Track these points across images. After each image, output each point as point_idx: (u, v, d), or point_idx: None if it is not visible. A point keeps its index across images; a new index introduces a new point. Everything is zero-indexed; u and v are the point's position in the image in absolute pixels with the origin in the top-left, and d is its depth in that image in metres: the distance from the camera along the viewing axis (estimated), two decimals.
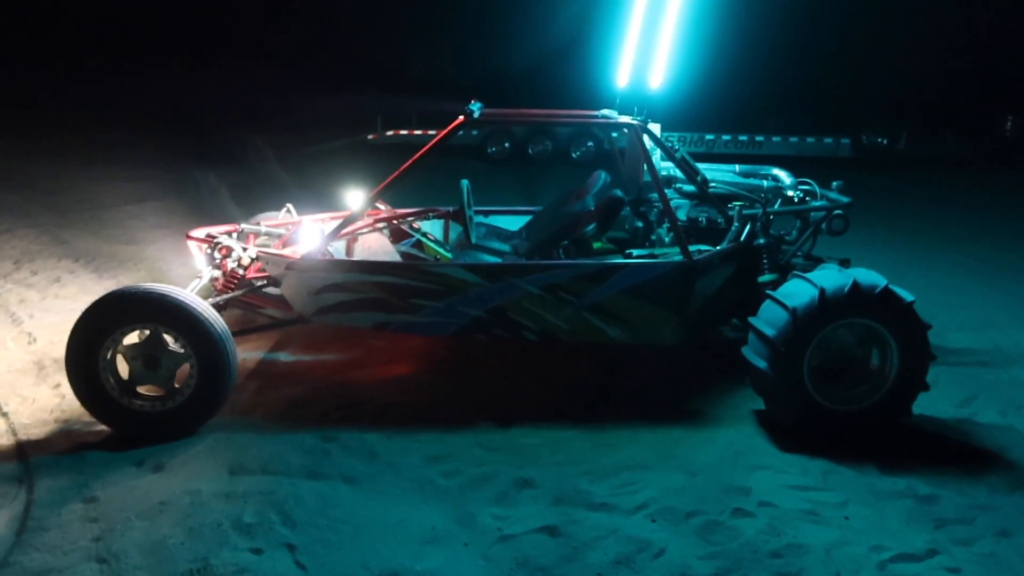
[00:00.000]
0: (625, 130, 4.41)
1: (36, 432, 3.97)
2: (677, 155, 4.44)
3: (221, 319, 3.91)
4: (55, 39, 22.94)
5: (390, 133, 15.93)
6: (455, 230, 5.50)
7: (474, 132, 15.04)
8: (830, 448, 3.84)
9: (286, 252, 4.34)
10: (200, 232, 4.75)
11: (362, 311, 4.24)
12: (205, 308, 3.84)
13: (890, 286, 3.84)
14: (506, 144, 15.25)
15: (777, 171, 5.11)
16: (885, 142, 15.52)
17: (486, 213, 5.68)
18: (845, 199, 4.72)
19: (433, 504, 3.38)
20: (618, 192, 4.47)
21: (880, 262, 7.78)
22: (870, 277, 3.87)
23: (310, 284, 4.22)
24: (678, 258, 4.14)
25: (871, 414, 3.95)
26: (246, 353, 5.03)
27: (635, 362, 4.91)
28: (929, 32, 15.89)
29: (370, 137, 16.05)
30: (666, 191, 4.99)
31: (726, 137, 14.73)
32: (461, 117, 4.24)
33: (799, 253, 4.86)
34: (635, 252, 4.30)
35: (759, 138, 14.70)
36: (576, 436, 3.97)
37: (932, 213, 10.91)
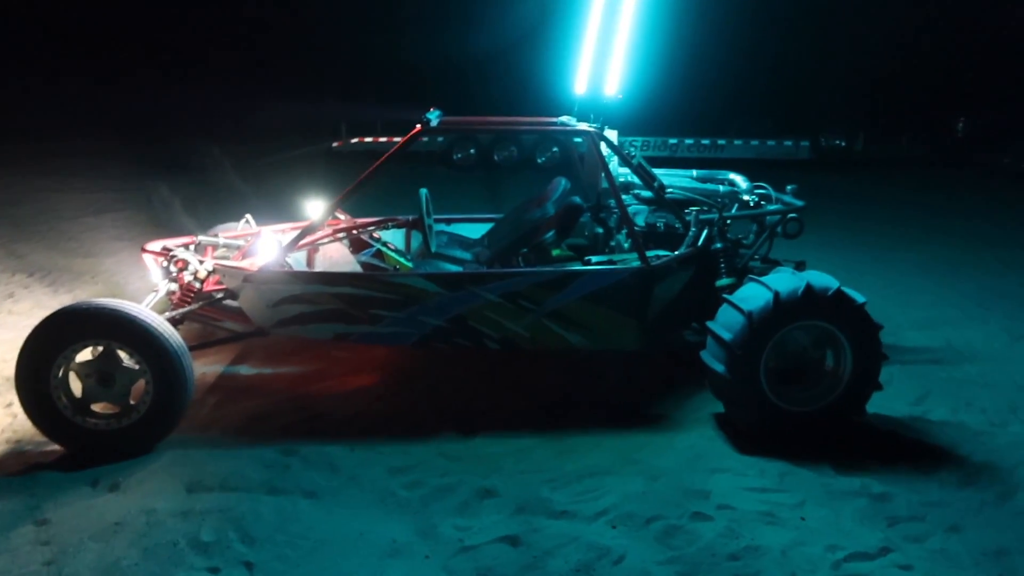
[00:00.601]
0: (581, 138, 4.43)
1: None
2: (634, 161, 4.48)
3: (176, 333, 3.85)
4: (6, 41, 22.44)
5: (355, 140, 15.86)
6: (417, 239, 5.50)
7: (439, 139, 15.04)
8: (788, 449, 3.90)
9: (243, 264, 4.29)
10: (156, 245, 4.68)
11: (322, 322, 4.21)
12: (159, 322, 3.78)
13: (842, 288, 3.91)
14: (471, 151, 15.28)
15: (734, 176, 5.19)
16: (843, 144, 15.83)
17: (448, 221, 5.68)
18: (799, 202, 4.80)
19: (395, 516, 3.37)
20: (576, 199, 4.50)
21: (839, 263, 7.99)
22: (823, 280, 3.94)
23: (268, 296, 4.18)
24: (636, 264, 4.17)
25: (827, 414, 4.02)
26: (205, 367, 4.97)
27: (599, 368, 4.94)
28: (884, 34, 16.23)
29: (335, 144, 15.97)
30: (624, 197, 5.05)
31: (688, 141, 14.91)
32: (418, 126, 4.24)
33: (756, 256, 4.93)
34: (594, 259, 4.33)
35: (720, 141, 14.90)
36: (539, 443, 3.98)
37: (889, 214, 11.14)
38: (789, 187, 5.00)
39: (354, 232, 4.69)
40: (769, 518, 3.35)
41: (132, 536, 3.19)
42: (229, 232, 5.20)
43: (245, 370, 4.98)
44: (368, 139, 15.66)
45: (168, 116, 18.31)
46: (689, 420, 4.24)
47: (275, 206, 8.93)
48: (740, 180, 5.12)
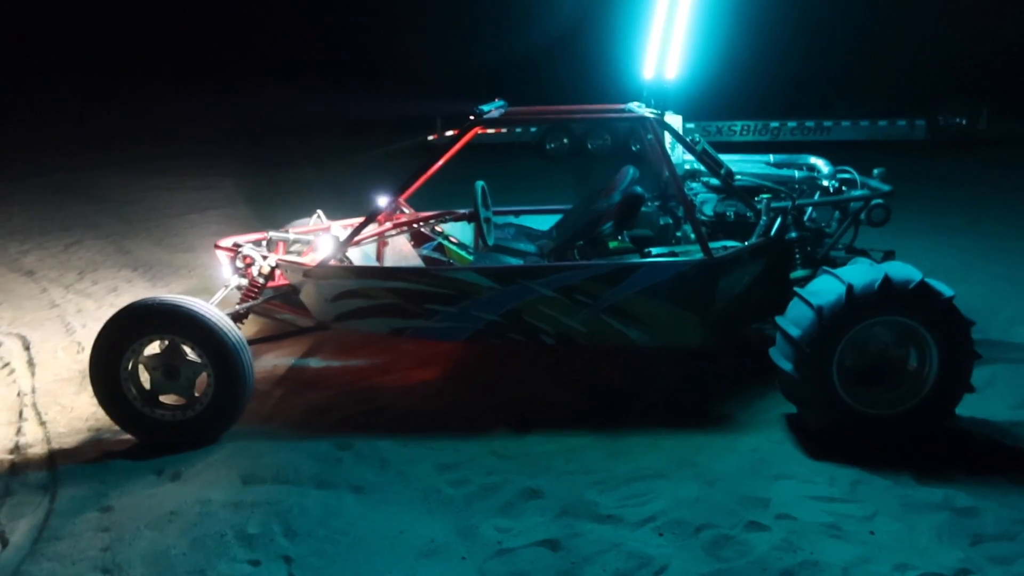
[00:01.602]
0: (638, 124, 4.23)
1: (69, 441, 4.10)
2: (698, 147, 4.24)
3: (236, 328, 3.95)
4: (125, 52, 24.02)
5: (450, 133, 15.97)
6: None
7: (532, 129, 14.93)
8: (864, 456, 3.60)
9: (303, 260, 4.35)
10: (228, 241, 4.82)
11: (378, 317, 4.21)
12: (219, 318, 3.88)
13: (927, 280, 3.57)
14: (564, 140, 15.08)
15: (814, 159, 4.84)
16: (964, 122, 14.60)
17: (516, 213, 5.59)
18: (886, 187, 4.43)
19: (437, 514, 3.32)
20: (638, 188, 4.31)
21: (948, 252, 7.39)
22: (904, 271, 3.60)
23: (326, 291, 4.22)
24: (699, 256, 3.95)
25: (910, 418, 3.69)
26: (277, 359, 5.10)
27: (663, 364, 4.74)
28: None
29: (430, 138, 16.15)
30: (693, 185, 4.81)
31: (791, 124, 14.17)
32: (473, 121, 4.16)
33: (839, 246, 4.59)
34: (654, 251, 4.14)
35: (827, 123, 14.08)
36: (593, 443, 3.85)
37: (1013, 199, 10.20)
38: (876, 170, 4.61)
39: (415, 225, 4.67)
40: (833, 531, 3.09)
41: (184, 525, 3.28)
42: (300, 228, 5.29)
43: (314, 363, 5.07)
44: None
45: (272, 118, 19.06)
46: (756, 421, 3.99)
47: (370, 199, 9.11)
48: (821, 164, 4.77)
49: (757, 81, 14.35)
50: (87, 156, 15.02)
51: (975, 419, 3.95)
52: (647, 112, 4.11)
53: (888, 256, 4.57)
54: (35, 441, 4.09)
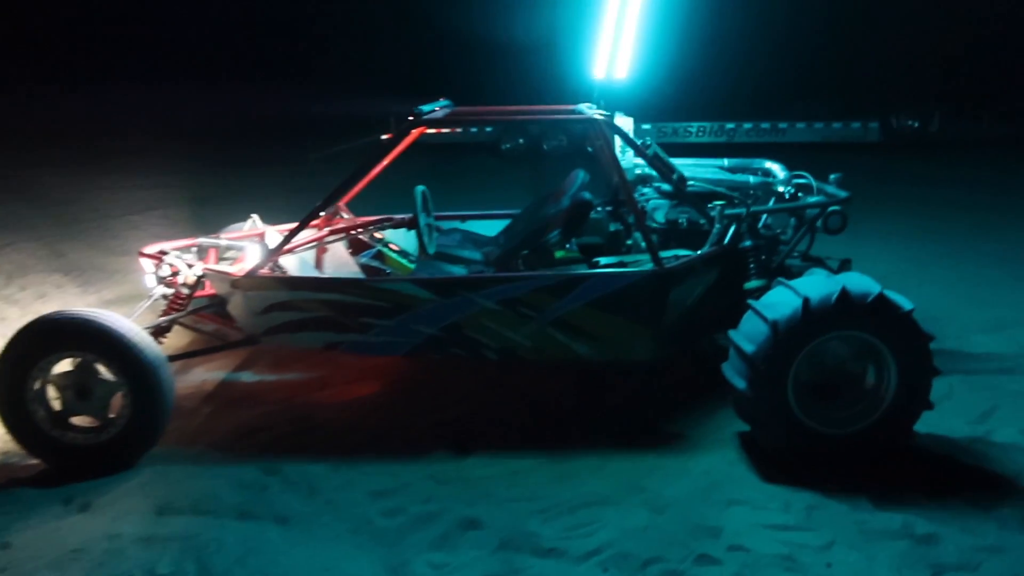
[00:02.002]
0: (586, 126, 4.02)
1: None
2: (649, 151, 4.05)
3: (155, 344, 3.65)
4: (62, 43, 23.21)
5: (385, 137, 15.64)
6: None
7: (487, 129, 14.67)
8: (820, 477, 3.44)
9: (230, 269, 4.06)
10: (153, 248, 4.50)
11: (311, 331, 3.95)
12: (135, 333, 3.58)
13: (885, 293, 3.41)
14: (520, 140, 14.86)
15: (770, 164, 4.69)
16: (916, 125, 14.72)
17: (463, 218, 5.36)
18: (843, 193, 4.28)
19: (367, 549, 3.07)
20: (586, 194, 4.10)
21: (904, 255, 7.33)
22: (862, 283, 3.45)
23: (255, 303, 3.94)
24: (649, 266, 3.76)
25: (868, 437, 3.54)
26: (207, 374, 4.79)
27: (614, 379, 4.53)
28: (962, 5, 15.02)
29: (384, 137, 15.79)
30: (644, 190, 4.63)
31: (747, 125, 14.12)
32: (413, 121, 3.91)
33: (795, 254, 4.45)
34: (603, 260, 3.94)
35: (782, 125, 14.07)
36: (537, 466, 3.63)
37: (966, 200, 10.25)
38: (832, 176, 4.47)
39: (352, 232, 4.41)
40: (788, 563, 2.91)
41: (89, 565, 2.99)
42: (234, 233, 4.99)
43: (247, 377, 4.77)
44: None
45: (227, 117, 18.56)
46: (709, 440, 3.81)
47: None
48: (777, 169, 4.62)
49: (714, 82, 14.29)
50: (32, 152, 14.42)
51: (933, 436, 3.82)
52: (597, 114, 3.91)
53: (845, 264, 4.44)
54: None
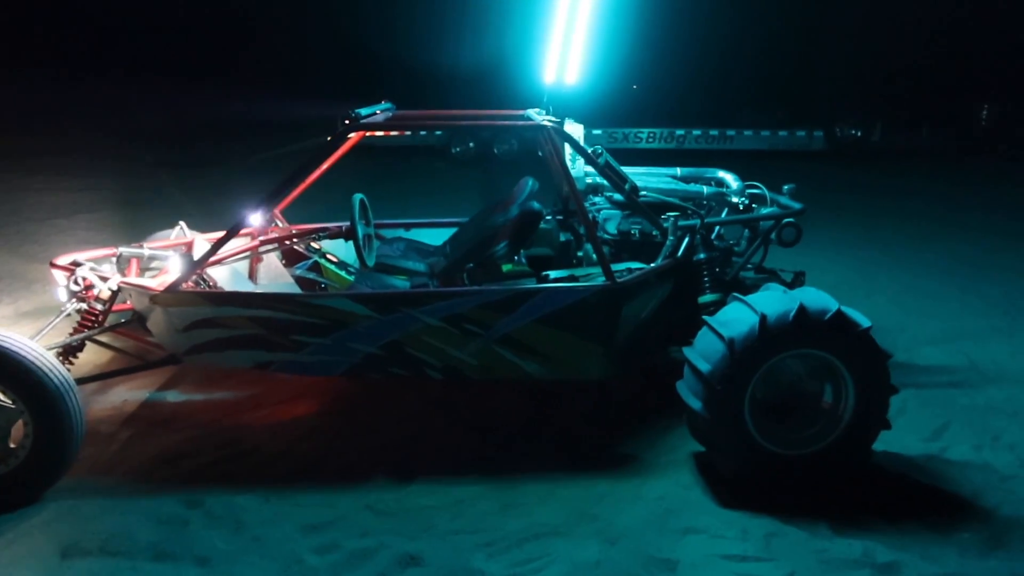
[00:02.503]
0: (535, 133, 3.83)
1: None
2: (600, 159, 3.87)
3: (60, 366, 3.31)
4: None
5: (394, 133, 15.22)
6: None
7: (437, 133, 14.41)
8: (778, 501, 3.30)
9: (149, 282, 3.74)
10: (66, 259, 4.14)
11: (239, 349, 3.66)
12: (37, 355, 3.23)
13: (843, 310, 3.29)
14: (471, 144, 14.63)
15: (723, 174, 4.56)
16: (859, 134, 14.98)
17: (407, 227, 5.11)
18: (797, 205, 4.17)
19: None
20: (535, 204, 3.90)
21: (851, 264, 7.32)
22: (820, 300, 3.32)
23: (177, 320, 3.63)
24: (600, 280, 3.58)
25: (826, 458, 3.41)
26: (129, 393, 4.45)
27: (565, 398, 4.33)
28: (903, 19, 15.37)
29: (329, 139, 15.39)
30: (596, 199, 4.45)
31: (696, 132, 14.18)
32: (349, 125, 3.66)
33: (748, 266, 4.32)
34: (552, 274, 3.74)
35: (730, 132, 14.17)
36: (483, 493, 3.40)
37: (908, 208, 10.39)
38: (786, 187, 4.36)
39: (287, 242, 4.12)
40: None
41: None
42: (159, 242, 4.65)
43: (172, 396, 4.44)
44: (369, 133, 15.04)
45: (164, 116, 17.91)
46: (663, 463, 3.64)
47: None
48: (730, 179, 4.49)
49: (665, 88, 14.33)
50: None
51: (889, 454, 3.72)
52: (545, 120, 3.71)
53: (799, 277, 4.33)
54: None
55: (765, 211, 4.23)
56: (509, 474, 3.56)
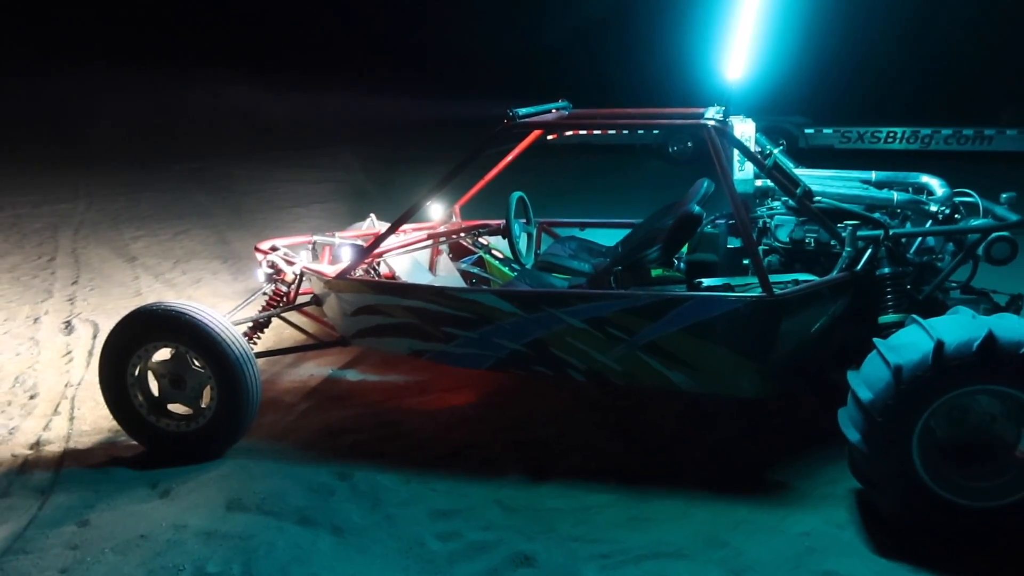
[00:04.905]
0: (696, 132, 3.62)
1: (85, 441, 4.02)
2: (768, 160, 3.58)
3: (242, 339, 3.70)
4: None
5: (569, 133, 15.48)
6: (547, 244, 4.98)
7: (654, 131, 14.16)
8: (945, 557, 2.86)
9: (324, 268, 4.07)
10: (267, 243, 4.62)
11: (397, 336, 3.86)
12: (223, 328, 3.64)
13: None
14: (688, 143, 14.22)
15: (927, 179, 4.01)
16: None
17: (582, 226, 5.09)
18: (1013, 216, 3.57)
19: (411, 574, 2.91)
20: (695, 207, 3.70)
21: None
22: (1015, 328, 2.82)
23: (347, 304, 3.91)
24: (757, 292, 3.32)
25: (1013, 514, 2.90)
26: (316, 368, 4.88)
27: (724, 413, 4.08)
28: None
29: (549, 138, 15.71)
30: (774, 204, 4.13)
31: (946, 131, 12.62)
32: (506, 125, 3.69)
33: (951, 285, 3.79)
34: (706, 282, 3.53)
35: (988, 132, 12.45)
36: (613, 502, 3.31)
37: None
38: (1004, 195, 3.75)
39: (454, 237, 4.28)
40: None
41: (148, 553, 3.05)
42: (351, 232, 5.03)
43: (351, 375, 4.80)
44: (582, 132, 15.16)
45: (375, 117, 19.20)
46: (816, 495, 3.30)
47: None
48: (936, 184, 3.94)
49: (908, 84, 12.92)
50: (227, 144, 15.76)
51: None
52: (710, 119, 3.50)
53: (1015, 301, 3.72)
54: (56, 438, 4.05)
55: (975, 223, 3.67)
56: (645, 486, 3.42)
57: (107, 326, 5.49)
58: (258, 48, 24.34)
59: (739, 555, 2.93)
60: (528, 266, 4.38)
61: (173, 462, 3.71)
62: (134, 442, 3.88)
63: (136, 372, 3.74)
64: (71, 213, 9.80)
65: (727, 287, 3.45)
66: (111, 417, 4.20)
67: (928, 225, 3.87)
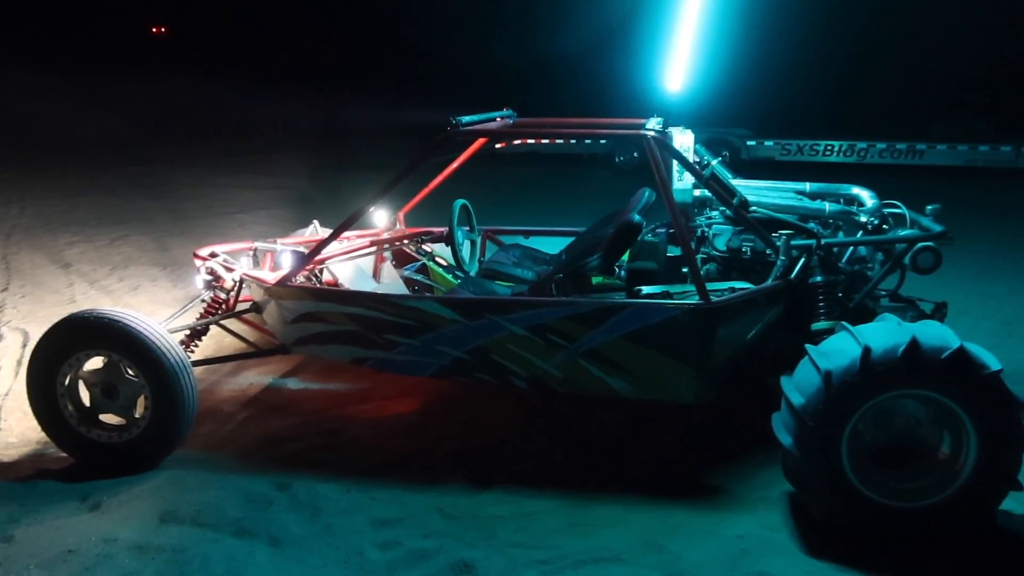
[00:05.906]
0: (636, 142, 3.68)
1: (12, 454, 3.89)
2: (706, 171, 3.66)
3: (178, 347, 3.62)
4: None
5: (517, 142, 15.54)
6: (493, 250, 5.00)
7: (601, 141, 14.34)
8: (873, 557, 2.95)
9: (264, 275, 4.01)
10: (206, 250, 4.52)
11: (339, 344, 3.83)
12: (159, 336, 3.56)
13: (967, 348, 2.89)
14: (635, 153, 14.41)
15: (857, 190, 4.15)
16: None
17: (526, 234, 5.12)
18: (937, 227, 3.72)
19: None
20: (636, 216, 3.76)
21: (1007, 300, 6.36)
22: (939, 335, 2.93)
23: (286, 312, 3.86)
24: (695, 299, 3.38)
25: (938, 514, 3.01)
26: (256, 377, 4.79)
27: (666, 418, 4.14)
28: None
29: (497, 146, 15.77)
30: (712, 214, 4.22)
31: (880, 145, 13.06)
32: (449, 132, 3.70)
33: (879, 294, 3.92)
34: (645, 290, 3.59)
35: (920, 146, 12.91)
36: (553, 509, 3.33)
37: None
38: (930, 207, 3.90)
39: (397, 244, 4.26)
40: None
41: (77, 568, 2.96)
42: (293, 239, 4.97)
43: (292, 383, 4.73)
44: (529, 140, 15.26)
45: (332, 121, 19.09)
46: (751, 499, 3.37)
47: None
48: (866, 196, 4.08)
49: (844, 99, 13.32)
50: (172, 146, 15.40)
51: (1018, 517, 3.21)
52: (650, 130, 3.57)
53: (940, 308, 3.87)
54: None
55: (901, 233, 3.81)
56: (586, 492, 3.46)
57: (38, 334, 5.32)
58: (217, 52, 24.01)
59: (677, 559, 2.97)
60: (472, 273, 4.38)
61: (104, 474, 3.61)
62: (64, 454, 3.76)
63: (67, 381, 3.63)
64: (3, 217, 9.46)
65: (666, 295, 3.51)
66: (40, 428, 4.09)
67: (859, 235, 4.00)
